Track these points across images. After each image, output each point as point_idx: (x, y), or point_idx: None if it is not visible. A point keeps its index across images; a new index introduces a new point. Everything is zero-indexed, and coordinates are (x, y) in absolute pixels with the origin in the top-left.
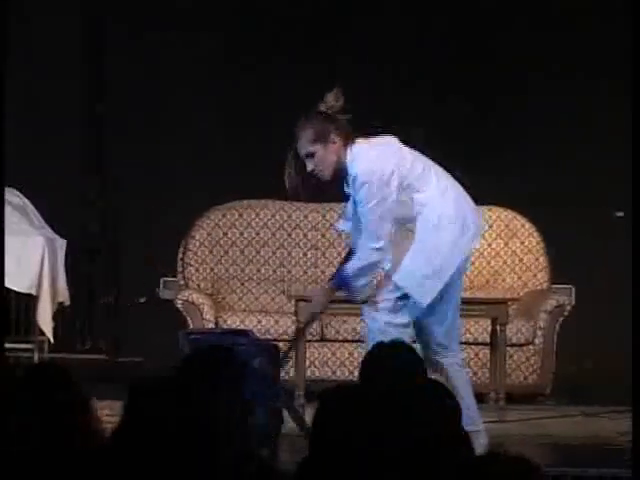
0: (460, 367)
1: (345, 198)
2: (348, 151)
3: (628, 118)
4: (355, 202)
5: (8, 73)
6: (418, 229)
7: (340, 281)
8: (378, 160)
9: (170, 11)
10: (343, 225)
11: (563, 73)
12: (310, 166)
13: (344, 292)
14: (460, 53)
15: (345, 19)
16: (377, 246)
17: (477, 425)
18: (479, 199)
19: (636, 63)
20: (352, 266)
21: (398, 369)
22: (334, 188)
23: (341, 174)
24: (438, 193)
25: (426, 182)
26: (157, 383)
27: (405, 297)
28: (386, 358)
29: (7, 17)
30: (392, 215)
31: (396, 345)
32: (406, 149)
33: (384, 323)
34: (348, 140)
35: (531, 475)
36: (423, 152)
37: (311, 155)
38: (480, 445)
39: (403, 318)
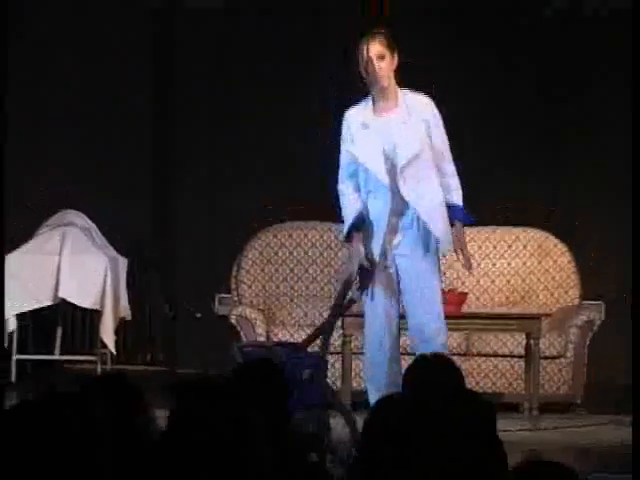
0: None
1: None
2: (400, 89)
3: None
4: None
5: (75, 75)
6: None
7: (460, 213)
8: None
9: (235, 17)
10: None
11: (601, 94)
12: (377, 66)
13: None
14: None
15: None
16: None
17: None
18: (515, 220)
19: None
20: (459, 194)
21: (439, 380)
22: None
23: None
24: None
25: None
26: (205, 387)
27: None
28: (428, 370)
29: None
30: None
31: (437, 357)
32: None
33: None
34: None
35: None
36: None
37: (381, 57)
38: None
39: None
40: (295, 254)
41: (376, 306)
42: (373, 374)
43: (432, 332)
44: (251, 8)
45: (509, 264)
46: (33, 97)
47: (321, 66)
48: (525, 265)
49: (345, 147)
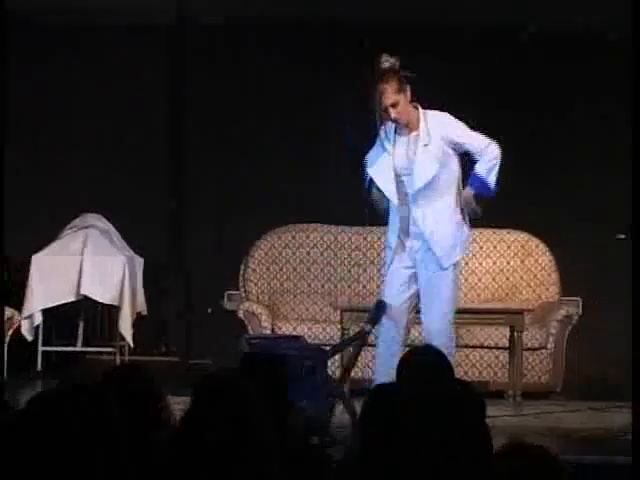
0: None
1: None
2: (420, 109)
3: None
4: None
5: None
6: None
7: (480, 184)
8: None
9: (242, 48)
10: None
11: (579, 102)
12: (393, 114)
13: (480, 193)
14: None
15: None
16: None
17: None
18: (500, 223)
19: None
20: (485, 164)
21: (429, 370)
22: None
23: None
24: None
25: None
26: (218, 381)
27: None
28: (419, 361)
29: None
30: None
31: (427, 349)
32: None
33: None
34: (410, 90)
35: (551, 463)
36: None
37: (396, 104)
38: None
39: None
40: (298, 254)
41: (391, 302)
42: (383, 365)
43: (434, 333)
44: (264, 24)
45: (494, 263)
46: (54, 111)
47: (328, 82)
48: (509, 264)
49: (373, 154)
